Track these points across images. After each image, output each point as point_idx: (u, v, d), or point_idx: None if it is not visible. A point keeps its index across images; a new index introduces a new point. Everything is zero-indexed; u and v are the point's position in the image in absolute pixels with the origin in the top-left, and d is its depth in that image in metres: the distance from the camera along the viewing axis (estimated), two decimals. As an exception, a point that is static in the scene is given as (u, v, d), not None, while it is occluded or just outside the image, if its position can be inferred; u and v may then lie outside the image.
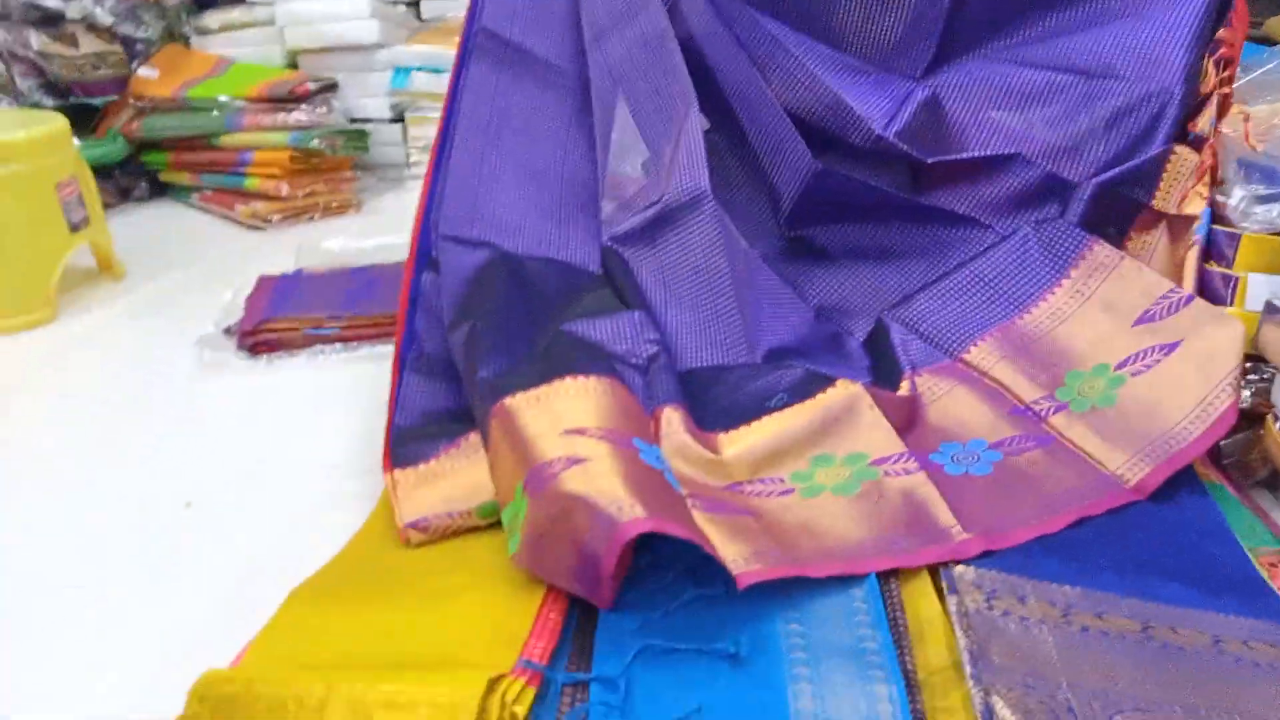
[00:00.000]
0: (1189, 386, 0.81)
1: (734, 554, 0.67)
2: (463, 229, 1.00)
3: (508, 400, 0.75)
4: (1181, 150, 0.97)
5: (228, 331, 1.20)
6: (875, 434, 0.81)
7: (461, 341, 0.88)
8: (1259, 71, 1.25)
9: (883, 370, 0.94)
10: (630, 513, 0.63)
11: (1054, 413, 0.86)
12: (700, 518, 0.70)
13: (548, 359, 0.80)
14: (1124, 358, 0.86)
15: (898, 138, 1.01)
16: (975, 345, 0.94)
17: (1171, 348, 0.84)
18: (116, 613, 0.74)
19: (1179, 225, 0.96)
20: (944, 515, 0.73)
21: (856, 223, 1.06)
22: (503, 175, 1.05)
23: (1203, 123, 0.98)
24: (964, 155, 1.03)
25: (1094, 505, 0.76)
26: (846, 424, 0.82)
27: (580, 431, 0.70)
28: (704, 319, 0.98)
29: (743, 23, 1.06)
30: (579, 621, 0.65)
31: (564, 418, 0.72)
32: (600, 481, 0.65)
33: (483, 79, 1.07)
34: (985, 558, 0.70)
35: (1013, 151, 1.01)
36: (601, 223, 1.04)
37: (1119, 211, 0.99)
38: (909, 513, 0.73)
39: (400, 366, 0.93)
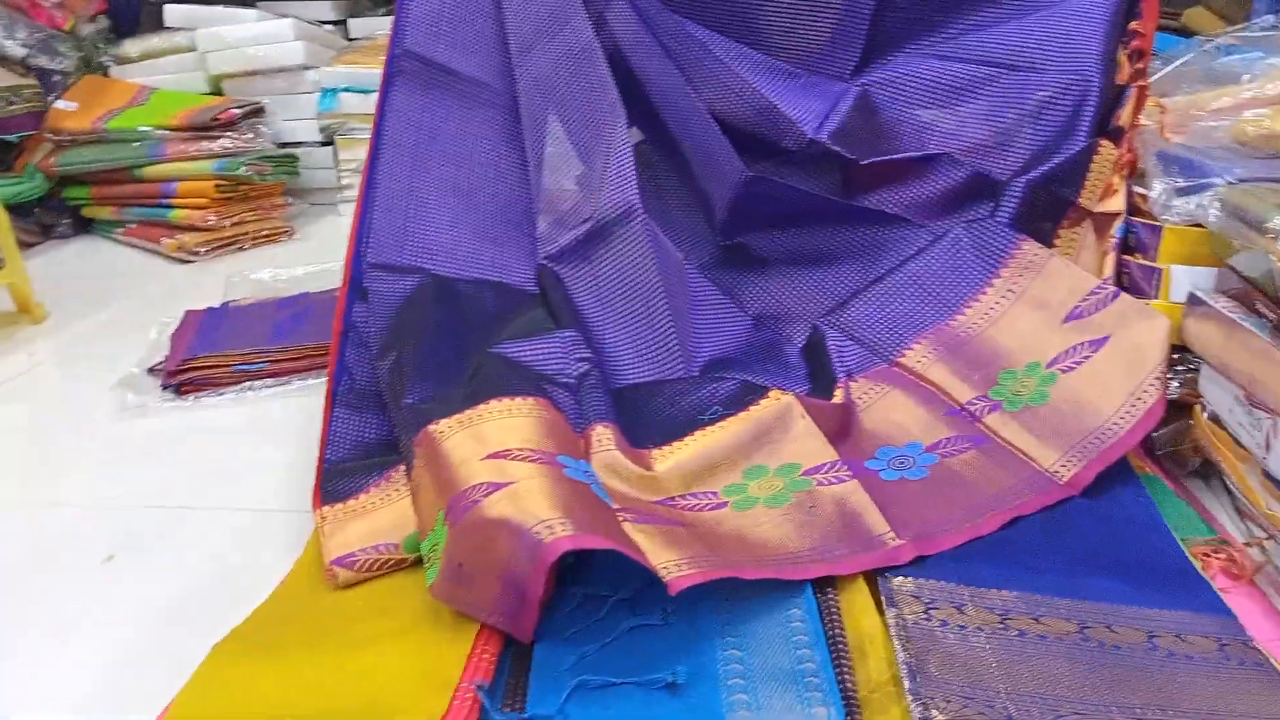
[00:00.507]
0: (1118, 382, 0.81)
1: (665, 560, 0.65)
2: (392, 256, 0.98)
3: (432, 427, 0.73)
4: (1105, 145, 0.98)
5: (152, 371, 1.17)
6: (808, 443, 0.80)
7: (388, 369, 0.86)
8: (1177, 63, 1.27)
9: (820, 377, 0.94)
10: (557, 532, 0.61)
11: (989, 412, 0.86)
12: (631, 529, 0.69)
13: (474, 382, 0.78)
14: (1055, 355, 0.86)
15: (831, 139, 1.01)
16: (910, 348, 0.94)
17: (1100, 344, 0.85)
18: (30, 672, 0.71)
19: (1102, 221, 0.97)
20: (877, 523, 0.72)
21: (790, 228, 1.06)
22: (432, 199, 1.03)
23: (1124, 116, 0.99)
24: (895, 156, 1.03)
25: (1028, 503, 0.76)
26: (779, 434, 0.81)
27: (505, 454, 0.69)
28: (640, 334, 0.97)
29: (670, 31, 1.05)
30: (514, 660, 0.63)
31: (489, 441, 0.71)
32: (525, 502, 0.64)
33: (407, 103, 1.05)
34: (923, 566, 0.70)
35: (942, 151, 1.02)
36: (537, 240, 1.03)
37: (1048, 208, 0.99)
38: (842, 521, 0.73)
39: (332, 401, 0.91)
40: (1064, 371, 0.86)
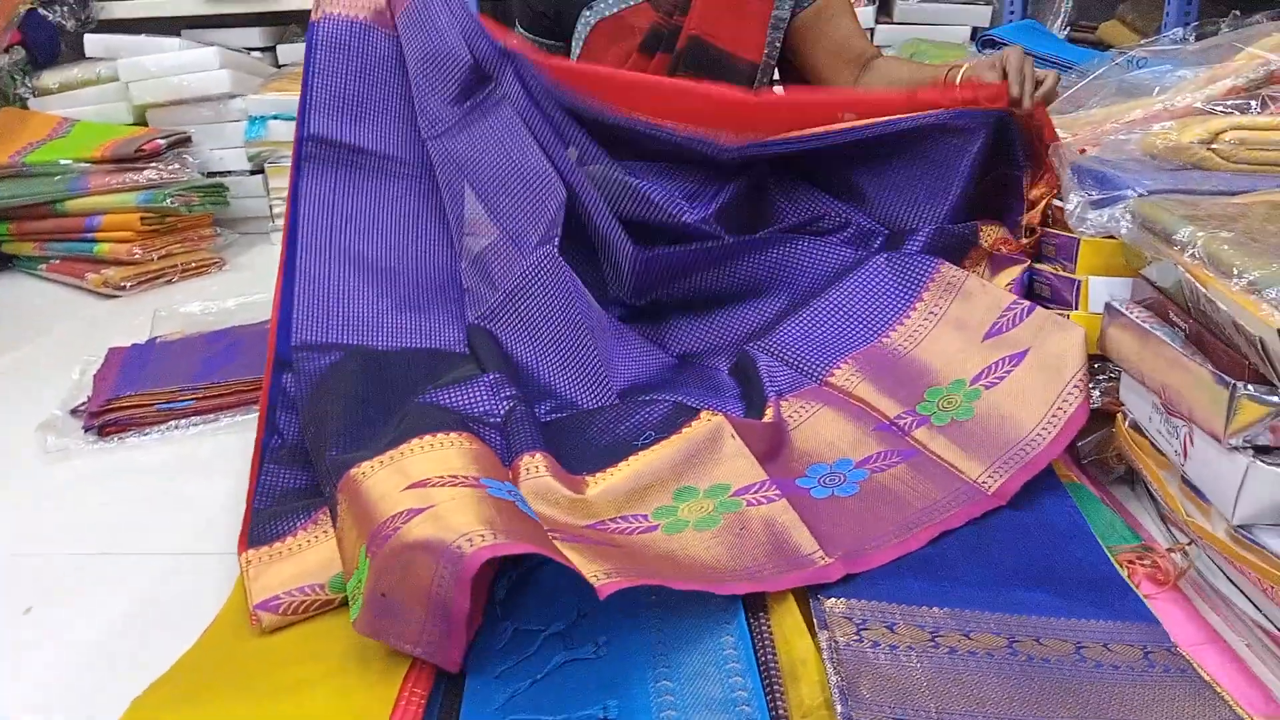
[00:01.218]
0: (1039, 393, 0.83)
1: (594, 571, 0.65)
2: (315, 336, 0.99)
3: (353, 470, 0.72)
4: (986, 229, 1.04)
5: (75, 412, 1.13)
6: (737, 463, 0.80)
7: (313, 432, 0.86)
8: (1092, 76, 1.30)
9: (751, 398, 0.95)
10: (477, 543, 0.61)
11: (917, 426, 0.87)
12: (560, 545, 0.69)
13: (399, 428, 0.77)
14: (978, 371, 0.88)
15: (705, 223, 1.05)
16: (838, 368, 0.95)
17: (1020, 357, 0.86)
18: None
19: (1001, 261, 1.02)
20: (806, 542, 0.72)
21: (703, 273, 1.07)
22: (351, 278, 1.04)
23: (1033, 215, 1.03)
24: (779, 228, 1.09)
25: (956, 516, 0.77)
26: (709, 455, 0.81)
27: (424, 484, 0.68)
28: (571, 364, 0.98)
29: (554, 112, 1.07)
30: (444, 700, 0.62)
31: (411, 473, 0.70)
32: (446, 520, 0.63)
33: (317, 187, 1.06)
34: (855, 585, 0.70)
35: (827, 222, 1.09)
36: (466, 300, 1.05)
37: (952, 246, 1.03)
38: (771, 542, 0.73)
39: (261, 457, 0.91)
40: (987, 387, 0.87)
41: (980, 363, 0.88)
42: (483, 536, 0.61)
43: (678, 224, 1.05)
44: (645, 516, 0.77)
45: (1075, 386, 0.83)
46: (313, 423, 0.88)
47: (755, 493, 0.77)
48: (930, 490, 0.81)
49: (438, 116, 1.08)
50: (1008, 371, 0.87)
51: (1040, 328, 0.87)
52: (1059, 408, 0.82)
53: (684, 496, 0.78)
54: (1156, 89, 1.17)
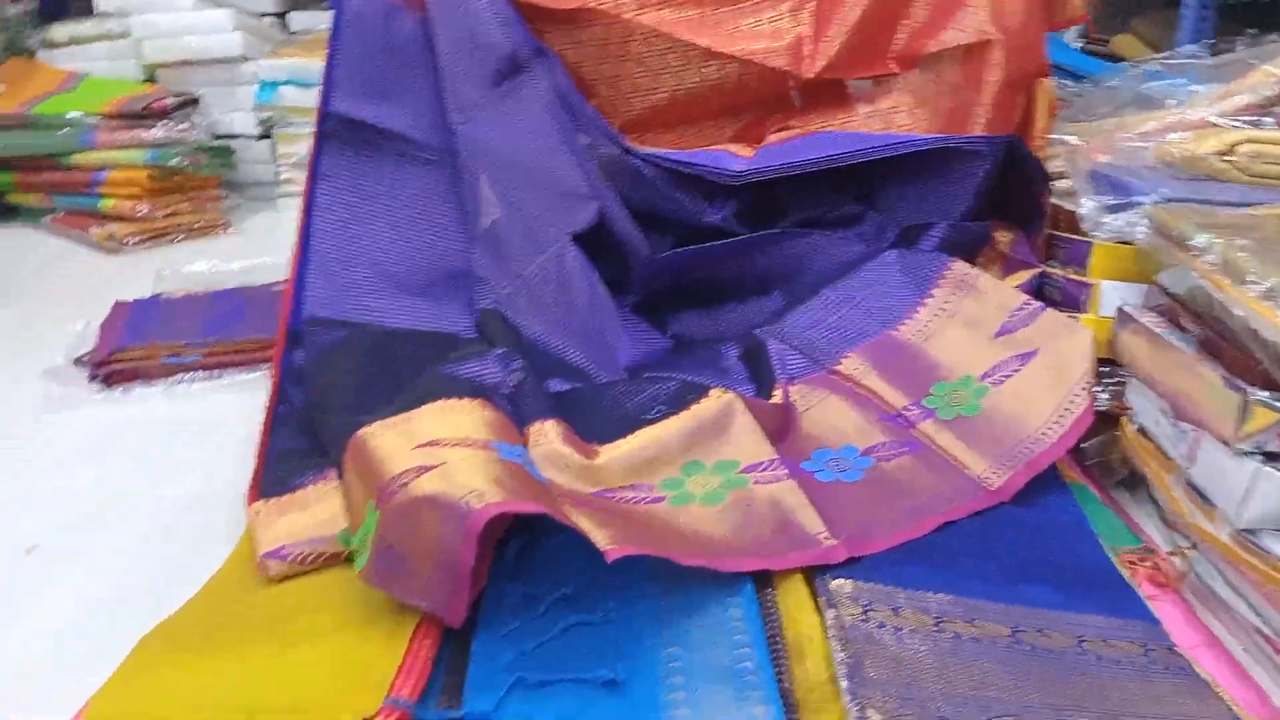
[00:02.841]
0: (1046, 393, 0.84)
1: (602, 537, 0.65)
2: (326, 312, 0.99)
3: (361, 432, 0.72)
4: (1000, 231, 1.06)
5: (79, 362, 1.13)
6: (747, 440, 0.81)
7: (318, 402, 0.86)
8: (1105, 86, 1.31)
9: (760, 380, 0.95)
10: (487, 498, 0.61)
11: (923, 419, 0.88)
12: (568, 509, 0.69)
13: (410, 396, 0.78)
14: (986, 369, 0.88)
15: (725, 222, 1.07)
16: (846, 357, 0.95)
17: (1029, 357, 0.87)
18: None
19: (1013, 264, 1.03)
20: (811, 522, 0.73)
21: (715, 267, 1.08)
22: (365, 260, 1.04)
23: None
24: (793, 221, 1.10)
25: (959, 509, 0.78)
26: (718, 431, 0.82)
27: (434, 443, 0.68)
28: (580, 340, 0.99)
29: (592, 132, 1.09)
30: (452, 656, 0.63)
31: (419, 435, 0.70)
32: (456, 477, 0.63)
33: (336, 166, 1.06)
34: (860, 568, 0.71)
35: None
36: (478, 287, 1.05)
37: (965, 245, 1.04)
38: (776, 519, 0.74)
39: (273, 423, 0.91)
40: (994, 385, 0.88)
41: (989, 360, 0.89)
42: (493, 493, 0.62)
43: (699, 223, 1.06)
44: (651, 487, 0.77)
45: (1082, 388, 0.84)
46: (319, 391, 0.88)
47: (763, 470, 0.78)
48: (934, 483, 0.82)
49: (468, 101, 1.08)
50: (1015, 370, 0.87)
51: (1050, 329, 0.88)
52: (1065, 408, 0.83)
53: (691, 470, 0.79)
54: (1171, 101, 1.18)
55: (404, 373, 0.87)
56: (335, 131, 1.06)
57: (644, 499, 0.76)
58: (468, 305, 1.05)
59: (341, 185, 1.06)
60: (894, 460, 0.84)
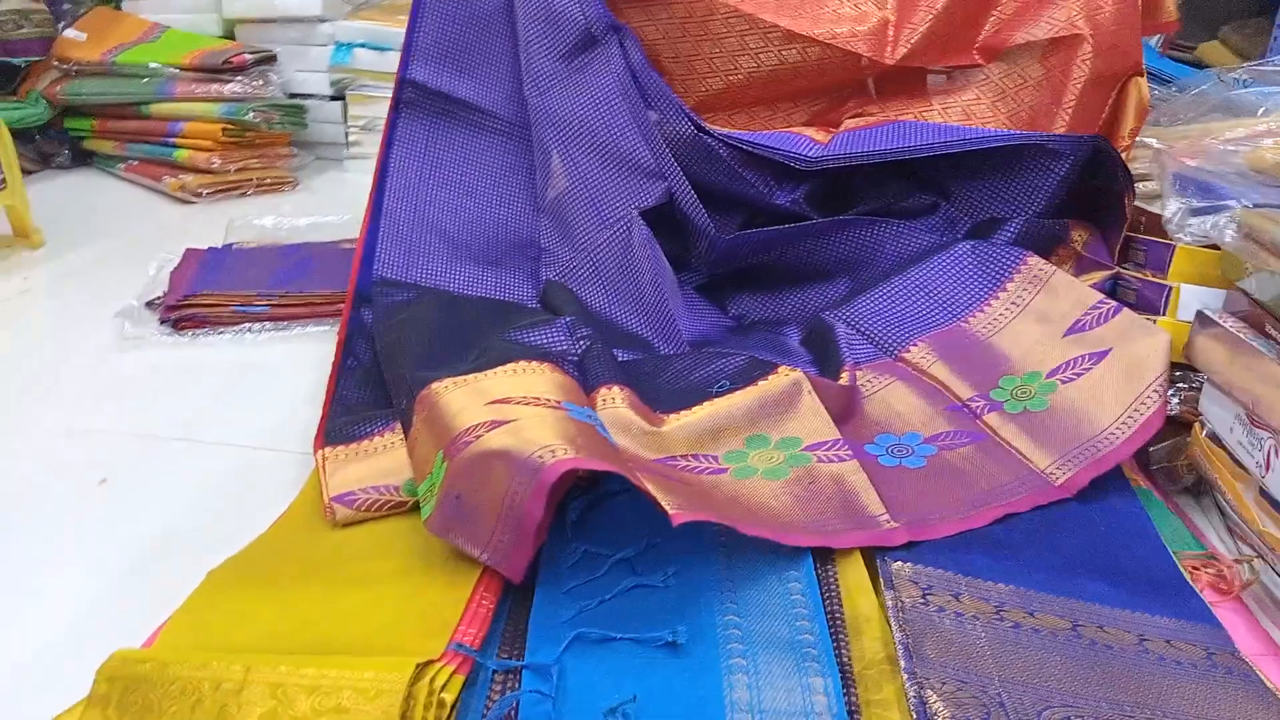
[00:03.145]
0: (1116, 393, 0.82)
1: (668, 501, 0.65)
2: (395, 274, 1.02)
3: (433, 385, 0.73)
4: (1077, 230, 1.04)
5: (151, 305, 1.16)
6: (812, 420, 0.81)
7: (387, 357, 0.87)
8: (1193, 91, 1.28)
9: (826, 364, 0.95)
10: (559, 454, 0.61)
11: (988, 411, 0.87)
12: (635, 472, 0.69)
13: (479, 359, 0.78)
14: (1056, 365, 0.87)
15: (795, 204, 1.07)
16: (914, 346, 0.95)
17: (1101, 356, 0.86)
18: (24, 589, 0.71)
19: (1087, 264, 1.01)
20: (873, 503, 0.73)
21: (784, 250, 1.09)
22: (435, 226, 1.06)
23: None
24: (864, 209, 1.10)
25: (1022, 501, 0.77)
26: (784, 408, 0.82)
27: (506, 401, 0.69)
28: (645, 313, 0.99)
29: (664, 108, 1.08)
30: (512, 609, 0.63)
31: (490, 393, 0.71)
32: (527, 434, 0.64)
33: (411, 134, 1.08)
34: (921, 552, 0.70)
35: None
36: (542, 257, 1.07)
37: (1042, 241, 1.03)
38: (839, 498, 0.73)
39: (339, 376, 0.93)
40: (1064, 382, 0.87)
41: (1059, 357, 0.88)
42: (564, 450, 0.62)
43: (768, 204, 1.06)
44: (716, 458, 0.77)
45: (1155, 390, 0.82)
46: (388, 348, 0.89)
47: (827, 450, 0.77)
48: (997, 473, 0.81)
49: (542, 72, 1.09)
50: (1086, 369, 0.86)
51: (1125, 329, 0.87)
52: (1136, 409, 0.82)
53: (756, 444, 0.79)
54: (1261, 110, 1.15)
55: (471, 336, 0.89)
56: (413, 99, 1.08)
57: (707, 469, 0.76)
58: (533, 275, 1.07)
59: (415, 151, 1.08)
60: (958, 449, 0.83)
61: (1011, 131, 1.03)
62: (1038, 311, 0.94)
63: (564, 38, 1.09)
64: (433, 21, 1.09)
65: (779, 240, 1.07)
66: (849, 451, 0.77)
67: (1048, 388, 0.87)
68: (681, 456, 0.77)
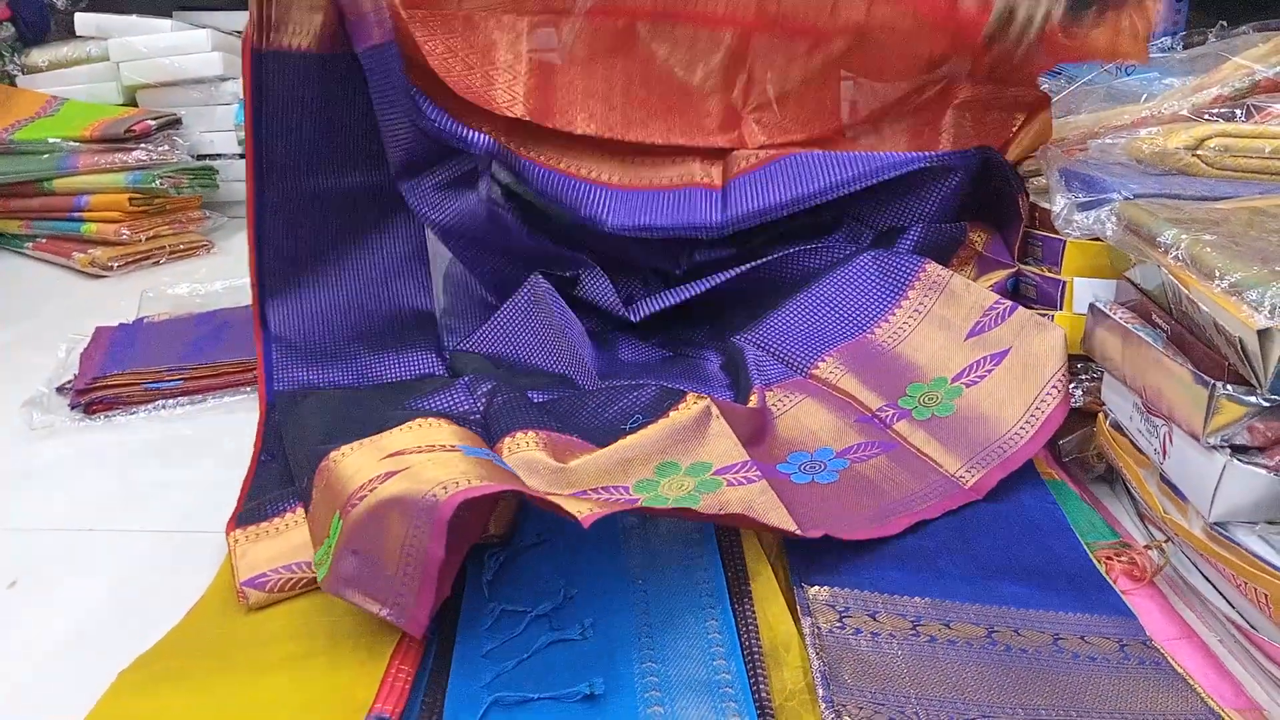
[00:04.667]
0: (1018, 392, 0.84)
1: (576, 508, 0.64)
2: (294, 385, 1.01)
3: (331, 454, 0.72)
4: (975, 231, 1.07)
5: (61, 390, 1.13)
6: (720, 444, 0.81)
7: (293, 446, 0.86)
8: (1081, 82, 1.32)
9: (739, 387, 0.96)
10: (451, 489, 0.60)
11: (898, 419, 0.88)
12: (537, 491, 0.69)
13: (380, 424, 0.78)
14: (959, 370, 0.89)
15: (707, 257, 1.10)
16: (823, 360, 0.96)
17: (1001, 356, 0.88)
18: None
19: (988, 264, 1.03)
20: (784, 521, 0.73)
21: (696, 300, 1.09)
22: (321, 322, 1.05)
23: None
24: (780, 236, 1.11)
25: (933, 507, 0.79)
26: (694, 435, 0.82)
27: (401, 453, 0.68)
28: (554, 353, 1.00)
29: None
30: (432, 677, 0.63)
31: (387, 448, 0.70)
32: (422, 474, 0.63)
33: (278, 236, 1.03)
34: (838, 576, 0.71)
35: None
36: (444, 333, 1.07)
37: (941, 245, 1.05)
38: (749, 523, 0.74)
39: (257, 470, 0.91)
40: (968, 385, 0.89)
41: (962, 361, 0.90)
42: (457, 484, 0.61)
43: (691, 263, 1.08)
44: (626, 489, 0.77)
45: (1054, 386, 0.84)
46: (292, 441, 0.88)
47: (736, 473, 0.78)
48: (908, 482, 0.82)
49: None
50: (989, 371, 0.88)
51: (1021, 328, 0.89)
52: (1038, 407, 0.84)
53: (666, 471, 0.79)
54: (1144, 96, 1.18)
55: (374, 412, 0.87)
56: (276, 205, 1.02)
57: (618, 500, 0.76)
58: (435, 350, 1.06)
59: (285, 255, 1.03)
60: (869, 461, 0.84)
61: (903, 155, 1.04)
62: (939, 318, 0.95)
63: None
64: (277, 124, 1.00)
65: (694, 300, 1.07)
66: (757, 473, 0.78)
67: (954, 392, 0.89)
68: (591, 490, 0.77)
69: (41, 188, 1.71)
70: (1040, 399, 0.83)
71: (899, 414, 0.88)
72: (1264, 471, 0.65)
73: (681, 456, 0.81)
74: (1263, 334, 0.62)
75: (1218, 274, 0.69)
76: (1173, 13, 1.67)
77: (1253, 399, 0.65)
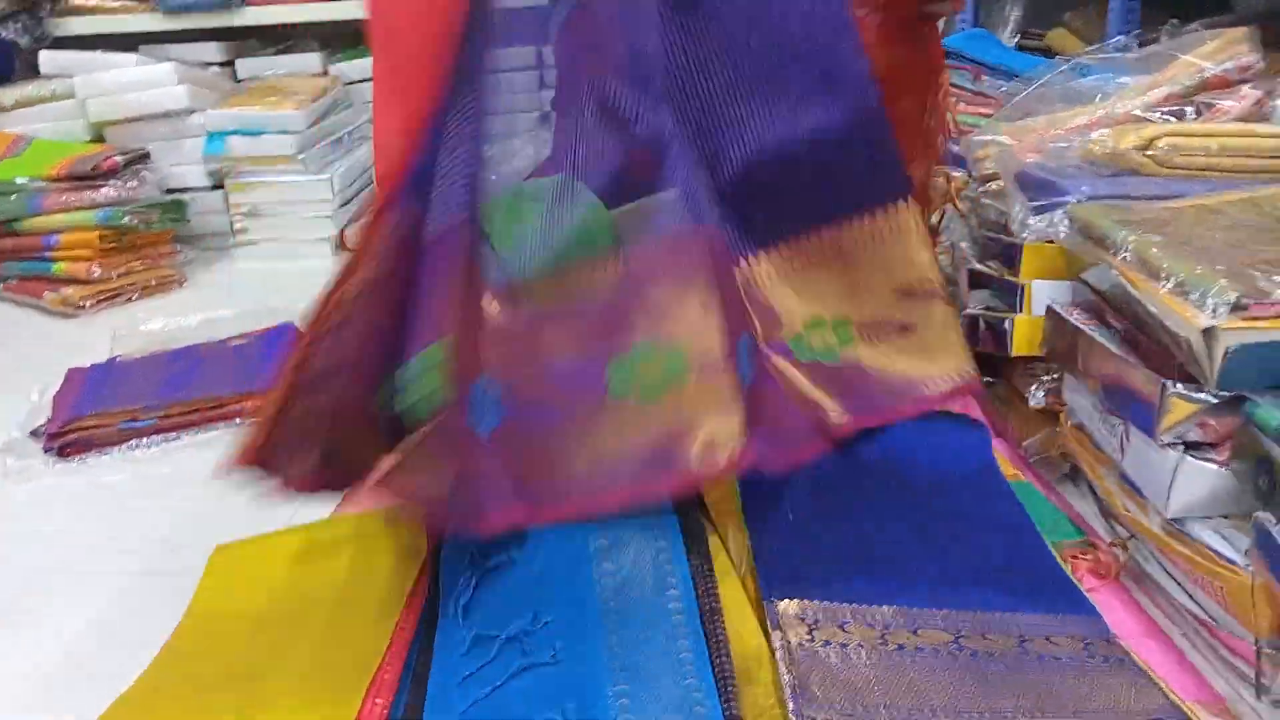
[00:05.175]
0: (912, 368, 0.87)
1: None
2: None
3: None
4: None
5: (35, 434, 1.13)
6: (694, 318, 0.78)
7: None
8: (1038, 83, 1.33)
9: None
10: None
11: (778, 354, 0.88)
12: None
13: None
14: (868, 320, 0.89)
15: None
16: (774, 248, 0.92)
17: (907, 330, 0.88)
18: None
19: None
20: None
21: None
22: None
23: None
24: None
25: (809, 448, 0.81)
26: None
27: None
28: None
29: None
30: (407, 709, 0.63)
31: None
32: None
33: None
34: (806, 587, 0.71)
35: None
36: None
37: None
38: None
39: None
40: (865, 340, 0.89)
41: (872, 313, 0.89)
42: None
43: None
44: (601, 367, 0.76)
45: (944, 378, 0.86)
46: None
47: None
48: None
49: None
50: (888, 337, 0.88)
51: (940, 319, 0.88)
52: (922, 386, 0.86)
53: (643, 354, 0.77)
54: (1099, 96, 1.20)
55: None
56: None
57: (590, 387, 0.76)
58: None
59: None
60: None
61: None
62: (884, 258, 0.89)
63: None
64: None
65: None
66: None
67: (846, 339, 0.89)
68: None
69: (10, 228, 1.70)
70: (925, 384, 0.86)
71: (782, 350, 0.88)
72: (1215, 466, 0.66)
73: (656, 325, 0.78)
74: (1207, 332, 0.64)
75: (1163, 274, 0.70)
76: (1128, 11, 1.69)
77: (1202, 396, 0.66)
